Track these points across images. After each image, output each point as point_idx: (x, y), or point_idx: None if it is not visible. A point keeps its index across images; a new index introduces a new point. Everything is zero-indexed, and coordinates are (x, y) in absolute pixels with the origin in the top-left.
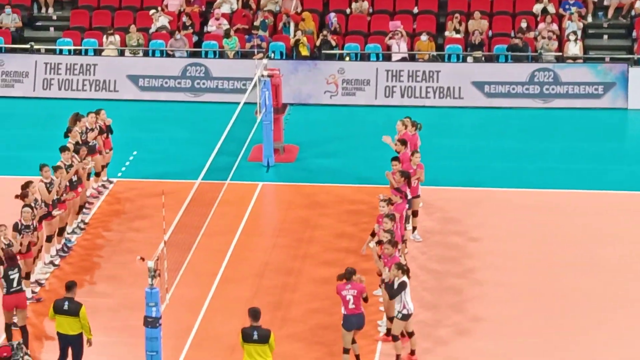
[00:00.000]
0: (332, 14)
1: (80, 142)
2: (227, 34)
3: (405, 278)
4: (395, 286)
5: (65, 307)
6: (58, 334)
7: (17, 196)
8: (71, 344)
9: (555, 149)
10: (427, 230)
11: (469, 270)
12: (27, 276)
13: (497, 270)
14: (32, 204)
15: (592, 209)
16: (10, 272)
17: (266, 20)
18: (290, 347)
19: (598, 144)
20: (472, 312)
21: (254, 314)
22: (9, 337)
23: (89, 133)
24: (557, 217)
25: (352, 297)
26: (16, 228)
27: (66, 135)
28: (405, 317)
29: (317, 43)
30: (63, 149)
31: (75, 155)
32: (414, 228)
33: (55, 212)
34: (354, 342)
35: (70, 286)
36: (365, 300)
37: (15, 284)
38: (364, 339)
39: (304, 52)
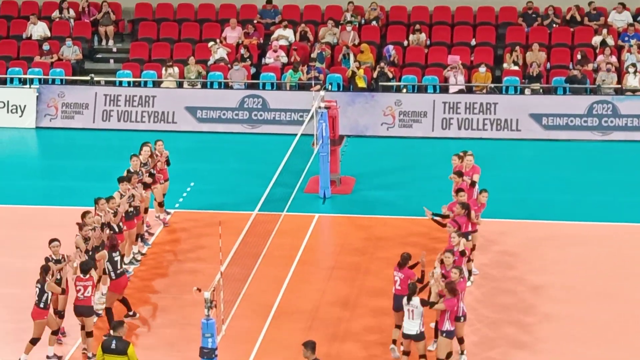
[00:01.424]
0: (390, 46)
1: (140, 172)
2: (295, 68)
3: (405, 298)
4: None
5: (113, 346)
6: None
7: (78, 223)
8: None
9: (614, 182)
10: (484, 263)
11: (527, 304)
12: (60, 315)
13: (557, 303)
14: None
15: None
16: (114, 254)
17: (323, 52)
18: None
19: None
20: (534, 346)
21: (313, 346)
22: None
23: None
24: (616, 250)
25: (399, 279)
26: (47, 262)
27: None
28: (403, 335)
29: (374, 75)
30: (121, 179)
31: (128, 185)
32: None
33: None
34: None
35: (116, 325)
36: (421, 281)
37: (119, 266)
38: None
39: (361, 83)
